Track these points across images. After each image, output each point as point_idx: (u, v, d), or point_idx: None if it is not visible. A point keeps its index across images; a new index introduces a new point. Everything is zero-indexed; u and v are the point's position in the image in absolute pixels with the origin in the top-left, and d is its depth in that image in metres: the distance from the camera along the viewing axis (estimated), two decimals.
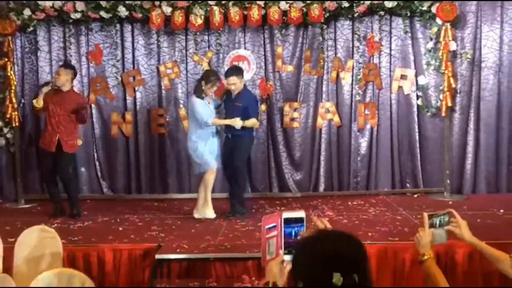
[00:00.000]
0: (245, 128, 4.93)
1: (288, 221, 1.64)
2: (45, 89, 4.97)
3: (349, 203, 5.53)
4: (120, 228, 4.64)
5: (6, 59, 5.73)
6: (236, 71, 5.02)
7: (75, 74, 5.20)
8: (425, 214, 2.25)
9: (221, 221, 4.82)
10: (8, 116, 5.79)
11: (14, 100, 5.77)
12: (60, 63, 5.66)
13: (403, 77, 5.91)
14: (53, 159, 5.00)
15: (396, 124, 6.00)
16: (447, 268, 3.64)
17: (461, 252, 3.68)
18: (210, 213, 4.93)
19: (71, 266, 3.79)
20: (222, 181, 5.59)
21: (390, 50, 5.93)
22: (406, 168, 6.05)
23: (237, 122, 4.84)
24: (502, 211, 4.87)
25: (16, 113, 5.80)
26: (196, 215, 4.95)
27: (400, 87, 5.93)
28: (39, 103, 4.94)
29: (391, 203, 5.47)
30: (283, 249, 1.59)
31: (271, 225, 1.66)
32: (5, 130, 5.86)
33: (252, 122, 4.97)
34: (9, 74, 5.76)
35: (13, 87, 5.77)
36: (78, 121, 5.09)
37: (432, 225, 2.22)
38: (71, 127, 5.02)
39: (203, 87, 4.89)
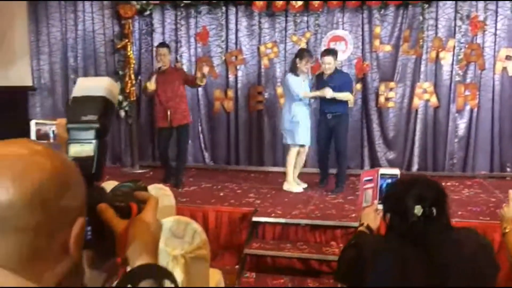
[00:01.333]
0: (344, 106, 5.09)
1: (383, 176, 1.94)
2: (156, 74, 5.31)
3: (443, 183, 5.48)
4: (221, 194, 5.12)
5: (127, 40, 6.45)
6: (332, 51, 5.20)
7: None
8: (511, 191, 2.36)
9: (312, 193, 5.11)
10: (127, 91, 6.53)
11: (132, 77, 6.49)
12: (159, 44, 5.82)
13: (508, 57, 5.69)
14: (168, 134, 5.39)
15: (498, 106, 5.81)
16: None
17: None
18: (295, 188, 5.20)
19: None
20: (313, 156, 5.86)
21: (496, 29, 5.72)
22: (507, 152, 5.85)
23: (326, 92, 4.97)
24: None
25: (134, 88, 6.52)
26: (285, 187, 5.26)
27: (504, 68, 5.72)
28: (152, 85, 5.26)
29: (488, 186, 5.37)
30: (377, 199, 1.89)
31: (368, 178, 1.96)
32: (124, 103, 6.61)
33: (345, 95, 5.04)
34: (128, 53, 6.47)
35: (132, 65, 6.49)
36: (193, 87, 5.53)
37: None
38: (181, 101, 5.42)
39: (297, 64, 5.11)
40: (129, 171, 6.51)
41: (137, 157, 6.64)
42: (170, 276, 0.82)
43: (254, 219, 4.26)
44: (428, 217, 1.52)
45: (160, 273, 0.81)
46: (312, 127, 5.31)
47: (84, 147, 0.98)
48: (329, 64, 5.07)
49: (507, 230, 2.25)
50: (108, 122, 0.98)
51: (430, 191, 1.58)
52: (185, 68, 6.13)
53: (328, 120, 5.15)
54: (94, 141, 0.95)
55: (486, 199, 4.76)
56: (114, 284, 0.85)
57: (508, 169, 5.87)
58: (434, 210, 1.53)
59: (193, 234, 3.00)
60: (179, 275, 2.89)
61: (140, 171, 6.50)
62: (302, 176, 5.42)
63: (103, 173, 0.93)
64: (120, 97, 6.57)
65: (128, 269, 0.82)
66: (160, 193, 3.70)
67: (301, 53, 5.16)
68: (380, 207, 1.85)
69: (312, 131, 5.28)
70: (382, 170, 1.94)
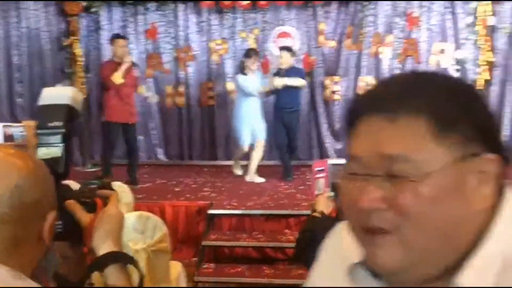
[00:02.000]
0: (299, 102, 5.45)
1: (333, 166, 2.16)
2: (126, 66, 5.07)
3: None
4: (177, 189, 5.23)
5: (73, 38, 6.37)
6: (288, 48, 5.46)
7: None
8: None
9: (267, 185, 5.32)
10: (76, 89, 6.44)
11: (80, 75, 6.43)
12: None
13: (441, 51, 6.12)
14: (120, 130, 5.26)
15: None
16: None
17: None
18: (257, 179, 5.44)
19: None
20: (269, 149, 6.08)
21: (429, 25, 6.13)
22: None
23: (276, 80, 5.22)
24: None
25: (83, 86, 6.46)
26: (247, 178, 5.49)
27: (438, 61, 6.15)
28: (119, 79, 5.02)
29: None
30: (329, 187, 2.10)
31: (320, 168, 2.17)
32: None
33: (296, 80, 5.25)
34: (75, 51, 6.40)
35: (79, 63, 6.42)
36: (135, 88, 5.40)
37: None
38: (133, 97, 5.41)
39: (246, 63, 5.31)
40: (81, 170, 6.46)
41: (88, 155, 6.60)
42: (133, 261, 0.95)
43: (210, 211, 4.42)
44: None
45: (124, 259, 0.94)
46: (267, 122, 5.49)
47: (51, 149, 1.12)
48: (284, 58, 5.28)
49: None
50: (72, 127, 1.13)
51: None
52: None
53: (286, 116, 5.37)
54: (60, 144, 1.10)
55: None
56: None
57: None
58: None
59: (154, 228, 3.12)
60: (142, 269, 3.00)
61: (92, 169, 6.47)
62: (260, 169, 5.59)
63: (69, 172, 1.07)
64: None
65: (95, 257, 0.94)
66: (118, 190, 3.79)
67: (248, 53, 5.36)
68: (332, 194, 2.06)
69: (269, 125, 5.48)
70: (331, 161, 2.16)
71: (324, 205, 2.00)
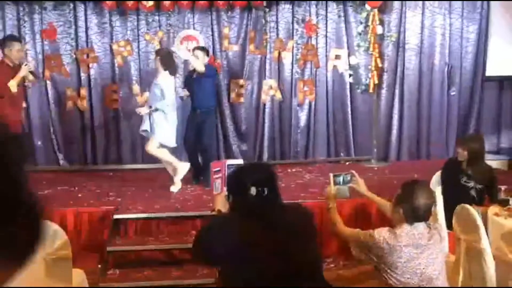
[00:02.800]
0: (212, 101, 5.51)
1: (230, 166, 2.28)
2: (24, 73, 4.79)
3: (289, 170, 6.19)
4: (80, 195, 5.07)
5: None
6: (202, 48, 5.51)
7: None
8: (331, 174, 2.91)
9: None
10: None
11: None
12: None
13: (337, 57, 6.56)
14: None
15: (331, 99, 6.67)
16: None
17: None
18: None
19: None
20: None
21: (326, 32, 6.54)
22: (340, 138, 6.76)
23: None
24: (416, 175, 5.64)
25: None
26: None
27: (335, 66, 6.58)
28: (14, 87, 4.72)
29: (325, 170, 6.15)
30: (226, 187, 2.22)
31: (217, 169, 2.28)
32: None
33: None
34: None
35: None
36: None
37: (336, 183, 2.89)
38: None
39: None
40: None
41: None
42: None
43: (116, 216, 4.36)
44: (261, 195, 1.89)
45: None
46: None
47: None
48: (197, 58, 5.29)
49: (330, 206, 2.78)
50: None
51: (262, 174, 1.95)
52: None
53: (197, 116, 5.38)
54: None
55: (324, 181, 5.47)
56: None
57: (342, 154, 6.79)
58: (266, 190, 1.90)
59: (53, 236, 3.04)
60: (42, 278, 2.92)
61: None
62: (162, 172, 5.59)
63: None
64: None
65: None
66: None
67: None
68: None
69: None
70: (229, 161, 2.30)
71: (222, 204, 2.12)
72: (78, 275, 3.30)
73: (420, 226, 2.37)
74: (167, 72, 5.11)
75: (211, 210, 2.20)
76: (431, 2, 6.47)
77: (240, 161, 2.36)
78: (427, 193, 2.40)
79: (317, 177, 5.76)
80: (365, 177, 5.43)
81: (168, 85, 5.10)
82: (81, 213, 4.44)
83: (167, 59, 5.16)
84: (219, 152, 6.60)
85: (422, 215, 2.37)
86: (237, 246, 1.83)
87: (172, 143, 5.18)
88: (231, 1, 6.13)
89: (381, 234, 2.35)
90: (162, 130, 5.07)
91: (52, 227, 2.84)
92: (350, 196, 3.03)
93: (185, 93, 5.55)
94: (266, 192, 1.90)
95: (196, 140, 5.42)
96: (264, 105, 6.60)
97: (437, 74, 6.64)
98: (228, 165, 2.27)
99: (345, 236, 2.60)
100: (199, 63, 5.24)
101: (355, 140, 6.73)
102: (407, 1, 6.44)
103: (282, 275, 1.80)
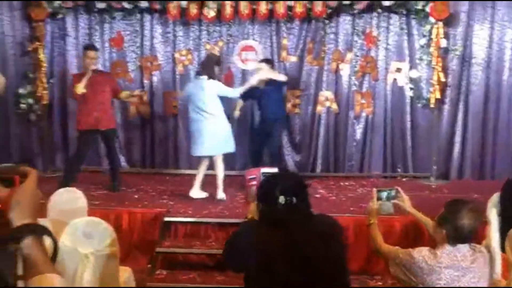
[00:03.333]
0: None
1: (264, 174, 2.30)
2: (88, 77, 5.21)
3: (341, 183, 6.10)
4: (136, 196, 5.29)
5: (38, 43, 6.37)
6: (267, 60, 5.80)
7: None
8: (374, 189, 2.85)
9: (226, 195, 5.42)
10: (38, 94, 6.45)
11: (44, 80, 6.43)
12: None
13: (397, 70, 6.39)
14: (91, 138, 5.42)
15: (389, 113, 6.50)
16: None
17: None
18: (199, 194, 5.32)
19: None
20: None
21: (387, 44, 6.40)
22: (398, 154, 6.57)
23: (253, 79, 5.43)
24: (475, 195, 5.36)
25: (45, 92, 6.46)
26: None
27: (394, 79, 6.43)
28: (82, 89, 5.17)
29: (380, 185, 5.96)
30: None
31: (252, 176, 2.31)
32: (35, 107, 6.52)
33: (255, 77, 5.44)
34: (40, 56, 6.40)
35: (43, 69, 6.42)
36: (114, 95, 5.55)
37: (380, 198, 2.82)
38: (109, 106, 5.50)
39: (215, 70, 5.25)
40: (41, 175, 6.42)
41: (48, 160, 6.59)
42: (48, 232, 1.04)
43: (166, 219, 4.50)
44: (289, 205, 1.89)
45: (39, 230, 1.02)
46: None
47: None
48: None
49: (371, 222, 2.72)
50: None
51: (292, 184, 1.95)
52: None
53: (264, 124, 5.57)
54: None
55: None
56: None
57: (399, 170, 6.59)
58: (294, 199, 1.90)
59: (103, 234, 3.20)
60: (90, 273, 3.08)
61: (52, 175, 6.45)
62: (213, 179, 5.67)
63: None
64: (31, 100, 6.49)
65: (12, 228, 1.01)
66: (72, 196, 3.84)
67: (219, 61, 5.45)
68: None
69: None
70: (264, 169, 2.31)
71: (255, 212, 2.14)
72: (125, 272, 3.44)
73: (463, 248, 2.26)
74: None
75: (244, 217, 2.22)
76: (501, 15, 6.16)
77: (275, 170, 2.36)
78: (473, 213, 2.29)
79: (370, 192, 5.59)
80: (422, 195, 5.37)
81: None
82: (135, 214, 4.63)
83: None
84: (272, 163, 6.62)
85: (466, 236, 2.26)
86: (262, 254, 1.84)
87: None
88: (291, 14, 6.17)
89: (421, 253, 2.27)
90: None
91: (102, 225, 2.98)
92: (394, 212, 2.94)
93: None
94: (294, 201, 1.90)
95: (262, 149, 5.59)
96: (320, 116, 6.56)
97: (505, 90, 6.29)
98: (262, 173, 2.29)
99: (384, 253, 2.53)
100: (275, 74, 5.49)
101: (414, 155, 6.51)
102: (474, 14, 6.18)
103: (305, 286, 1.78)
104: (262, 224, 1.94)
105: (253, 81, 5.42)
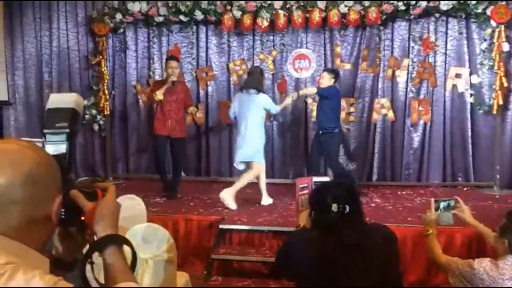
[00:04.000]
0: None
1: (316, 183, 2.29)
2: (168, 85, 5.49)
3: (399, 192, 5.95)
4: (191, 204, 5.41)
5: (101, 57, 6.71)
6: (328, 70, 5.83)
7: None
8: (432, 199, 2.76)
9: (278, 202, 5.45)
10: (101, 105, 6.77)
11: (106, 92, 6.75)
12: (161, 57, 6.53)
13: (457, 75, 6.18)
14: (165, 143, 5.63)
15: (449, 120, 6.29)
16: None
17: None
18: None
19: None
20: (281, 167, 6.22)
21: (446, 49, 6.21)
22: (458, 162, 6.32)
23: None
24: None
25: (107, 103, 6.78)
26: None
27: (454, 85, 6.21)
28: (161, 96, 5.44)
29: (439, 194, 5.80)
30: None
31: (303, 185, 2.31)
32: (98, 117, 6.85)
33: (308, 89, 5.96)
34: (102, 69, 6.73)
35: (105, 81, 6.74)
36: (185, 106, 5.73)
37: (437, 208, 2.73)
38: (182, 115, 5.71)
39: (263, 82, 5.48)
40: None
41: (110, 169, 6.88)
42: (128, 242, 1.12)
43: (221, 226, 4.57)
44: (342, 213, 1.88)
45: (120, 241, 1.11)
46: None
47: (58, 147, 1.35)
48: (323, 79, 5.62)
49: (429, 232, 2.64)
50: (75, 127, 1.36)
51: (344, 192, 1.94)
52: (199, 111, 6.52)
53: (320, 137, 5.61)
54: (65, 142, 1.32)
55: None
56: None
57: (460, 179, 6.34)
58: (348, 208, 1.89)
59: (161, 239, 3.30)
60: (149, 277, 3.19)
61: (114, 182, 6.73)
62: (267, 187, 5.71)
63: (71, 166, 1.27)
64: (94, 111, 6.82)
65: (96, 239, 1.11)
66: (132, 203, 3.99)
67: (262, 72, 5.58)
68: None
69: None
70: (315, 178, 2.30)
71: (306, 220, 2.14)
72: (182, 277, 3.53)
73: None
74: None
75: (296, 226, 2.22)
76: None
77: (326, 178, 2.36)
78: None
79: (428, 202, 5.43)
80: (484, 205, 5.14)
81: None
82: (191, 221, 4.73)
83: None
84: (326, 169, 6.57)
85: None
86: (313, 262, 1.84)
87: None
88: (344, 21, 6.12)
89: (482, 264, 2.18)
90: None
91: (161, 231, 3.08)
92: (453, 223, 2.84)
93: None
94: (347, 210, 1.89)
95: (319, 160, 5.71)
96: (375, 124, 6.44)
97: None
98: (314, 181, 2.29)
99: (442, 264, 2.44)
100: (324, 82, 5.56)
101: (475, 164, 6.24)
102: None
103: None
104: (315, 232, 1.94)
105: (287, 101, 5.76)
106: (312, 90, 5.85)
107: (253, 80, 5.33)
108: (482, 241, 4.16)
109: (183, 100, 5.67)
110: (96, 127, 6.89)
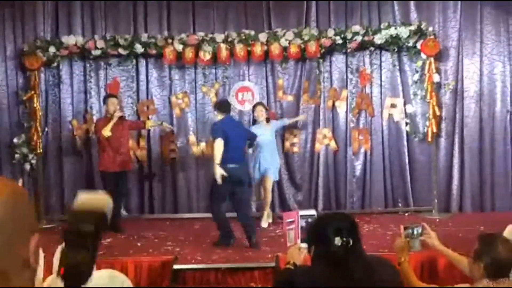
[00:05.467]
0: None
1: (303, 217, 2.24)
2: (114, 120, 5.59)
3: None
4: (139, 244, 5.14)
5: (33, 92, 6.30)
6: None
7: None
8: (402, 226, 2.81)
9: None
10: (33, 143, 6.33)
11: (39, 129, 6.33)
12: (101, 95, 6.45)
13: (392, 105, 6.49)
14: (116, 178, 5.64)
15: (387, 148, 6.55)
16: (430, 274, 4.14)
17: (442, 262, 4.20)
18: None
19: None
20: None
21: (381, 81, 6.52)
22: (398, 188, 6.57)
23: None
24: (482, 227, 5.34)
25: (40, 140, 6.35)
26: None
27: (390, 115, 6.51)
28: (108, 132, 5.54)
29: (383, 221, 5.97)
30: (299, 238, 2.17)
31: (290, 220, 2.25)
32: (30, 156, 6.39)
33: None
34: (35, 105, 6.32)
35: (38, 117, 6.33)
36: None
37: (407, 236, 2.77)
38: (126, 147, 5.86)
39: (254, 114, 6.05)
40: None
41: (43, 211, 6.40)
42: None
43: (175, 267, 4.35)
44: (346, 246, 1.83)
45: None
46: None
47: (80, 253, 1.27)
48: (261, 112, 5.90)
49: (402, 260, 2.67)
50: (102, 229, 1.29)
51: (345, 224, 1.90)
52: (94, 118, 6.30)
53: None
54: (90, 246, 1.24)
55: (383, 233, 5.32)
56: None
57: (399, 204, 6.57)
58: (351, 240, 1.84)
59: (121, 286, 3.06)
60: None
61: (48, 226, 6.24)
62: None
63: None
64: (25, 150, 6.36)
65: None
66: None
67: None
68: (303, 245, 2.13)
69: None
70: (301, 212, 2.26)
71: (296, 257, 2.07)
72: None
73: (505, 282, 2.21)
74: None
75: (285, 262, 2.14)
76: (489, 49, 6.36)
77: (312, 211, 2.32)
78: (508, 245, 2.26)
79: (376, 228, 5.58)
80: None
81: None
82: (141, 262, 4.48)
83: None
84: (273, 201, 6.55)
85: (505, 268, 2.22)
86: None
87: None
88: (286, 54, 6.26)
89: None
90: None
91: (120, 278, 2.86)
92: (421, 249, 2.89)
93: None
94: (351, 243, 1.85)
95: None
96: (319, 154, 6.56)
97: (498, 122, 6.42)
98: (301, 215, 2.24)
99: None
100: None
101: (414, 190, 6.52)
102: (464, 50, 6.37)
103: None
104: (319, 268, 1.87)
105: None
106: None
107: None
108: (433, 265, 4.31)
109: (128, 134, 5.91)
110: (27, 166, 6.41)
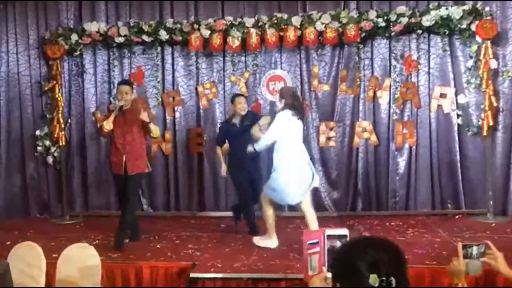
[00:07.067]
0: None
1: (330, 237, 1.66)
2: (116, 113, 4.74)
3: (387, 223, 5.45)
4: (158, 246, 4.76)
5: (55, 82, 6.05)
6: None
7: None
8: (460, 244, 2.22)
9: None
10: (55, 136, 6.08)
11: (61, 121, 6.07)
12: (115, 82, 5.88)
13: (442, 95, 5.80)
14: (123, 182, 4.76)
15: (435, 143, 5.88)
16: None
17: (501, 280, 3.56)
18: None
19: (109, 283, 3.94)
20: None
21: (429, 68, 5.84)
22: (447, 188, 5.89)
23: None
24: None
25: (63, 132, 6.09)
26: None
27: (439, 106, 5.82)
28: (109, 125, 4.68)
29: (431, 224, 5.34)
30: (326, 265, 1.61)
31: (313, 241, 1.67)
32: (53, 149, 6.15)
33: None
34: (57, 96, 6.06)
35: (60, 108, 6.07)
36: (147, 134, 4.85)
37: (466, 256, 2.19)
38: (140, 147, 4.82)
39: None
40: (58, 222, 6.00)
41: (66, 206, 6.15)
42: None
43: (192, 275, 3.93)
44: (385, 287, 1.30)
45: None
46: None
47: None
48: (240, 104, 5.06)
49: (459, 286, 2.10)
50: None
51: (386, 256, 1.35)
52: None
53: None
54: None
55: (431, 240, 4.69)
56: None
57: (449, 205, 5.90)
58: (393, 281, 1.31)
59: None
60: None
61: (70, 222, 6.01)
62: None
63: None
64: (48, 142, 6.13)
65: None
66: (83, 252, 3.34)
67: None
68: (330, 275, 1.60)
69: None
70: (329, 231, 1.69)
71: None
72: None
73: None
74: None
75: None
76: None
77: (344, 231, 1.73)
78: None
79: (422, 234, 4.94)
80: (482, 236, 4.66)
81: None
82: (157, 268, 4.09)
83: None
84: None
85: None
86: None
87: None
88: (321, 39, 5.69)
89: None
90: None
91: None
92: (481, 272, 2.31)
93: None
94: (393, 285, 1.31)
95: None
96: (357, 149, 5.98)
97: None
98: (327, 235, 1.67)
99: None
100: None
101: (466, 190, 5.81)
102: None
103: None
104: None
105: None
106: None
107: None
108: (490, 282, 3.67)
109: (138, 129, 4.75)
110: (50, 159, 6.18)
